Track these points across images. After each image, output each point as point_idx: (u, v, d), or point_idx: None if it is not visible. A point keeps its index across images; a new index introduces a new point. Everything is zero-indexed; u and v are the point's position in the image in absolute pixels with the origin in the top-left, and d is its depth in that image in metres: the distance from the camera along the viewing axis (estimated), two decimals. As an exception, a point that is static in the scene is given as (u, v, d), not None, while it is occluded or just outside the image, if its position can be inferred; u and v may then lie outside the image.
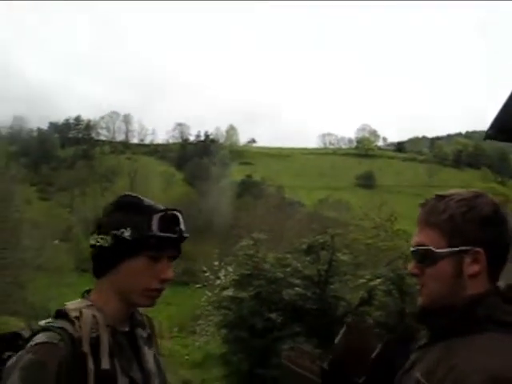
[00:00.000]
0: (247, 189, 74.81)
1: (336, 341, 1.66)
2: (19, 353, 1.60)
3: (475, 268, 1.55)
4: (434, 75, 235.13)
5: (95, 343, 1.63)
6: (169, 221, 1.73)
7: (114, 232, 1.70)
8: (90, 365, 1.59)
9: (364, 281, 10.07)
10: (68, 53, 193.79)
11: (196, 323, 17.35)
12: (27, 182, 69.30)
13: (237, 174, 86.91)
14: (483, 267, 1.55)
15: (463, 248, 1.56)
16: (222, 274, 14.20)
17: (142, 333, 1.88)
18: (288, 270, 10.30)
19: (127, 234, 1.69)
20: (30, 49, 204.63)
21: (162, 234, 1.70)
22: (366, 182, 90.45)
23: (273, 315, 9.80)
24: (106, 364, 1.62)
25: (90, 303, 1.73)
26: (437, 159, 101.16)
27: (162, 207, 1.77)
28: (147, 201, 1.78)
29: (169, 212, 1.75)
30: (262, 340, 9.68)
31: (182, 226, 1.75)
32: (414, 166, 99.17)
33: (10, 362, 1.59)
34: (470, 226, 1.56)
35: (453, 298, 1.56)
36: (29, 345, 1.59)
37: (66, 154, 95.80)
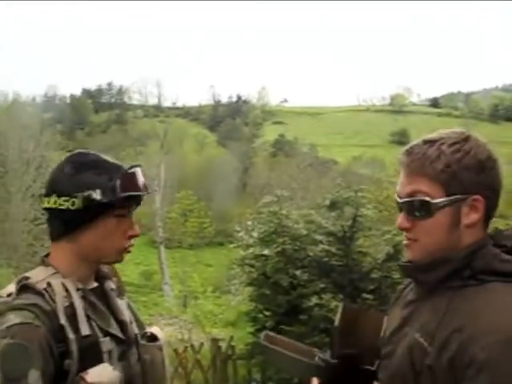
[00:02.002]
0: (280, 148, 74.46)
1: (336, 323, 1.60)
2: None
3: (474, 217, 1.47)
4: (466, 29, 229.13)
5: (70, 312, 1.57)
6: (133, 178, 1.72)
7: (85, 194, 1.64)
8: (71, 335, 1.53)
9: (390, 236, 10.00)
10: (98, 19, 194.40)
11: (231, 283, 17.55)
12: (63, 148, 70.26)
13: (269, 133, 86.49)
14: (481, 215, 1.48)
15: (461, 197, 1.47)
16: (255, 233, 14.22)
17: (111, 284, 1.84)
18: (312, 226, 10.24)
19: (97, 195, 1.65)
20: (63, 17, 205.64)
21: (131, 193, 1.69)
22: (401, 138, 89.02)
23: (298, 272, 9.82)
24: (85, 330, 1.57)
25: (53, 271, 1.66)
26: (473, 114, 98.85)
27: (123, 164, 1.75)
28: (106, 158, 1.76)
29: (131, 169, 1.74)
30: (287, 297, 9.73)
31: (144, 182, 1.74)
32: (450, 121, 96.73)
33: None
34: (466, 173, 1.46)
35: (448, 251, 1.48)
36: (0, 328, 1.49)
37: (99, 119, 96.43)
